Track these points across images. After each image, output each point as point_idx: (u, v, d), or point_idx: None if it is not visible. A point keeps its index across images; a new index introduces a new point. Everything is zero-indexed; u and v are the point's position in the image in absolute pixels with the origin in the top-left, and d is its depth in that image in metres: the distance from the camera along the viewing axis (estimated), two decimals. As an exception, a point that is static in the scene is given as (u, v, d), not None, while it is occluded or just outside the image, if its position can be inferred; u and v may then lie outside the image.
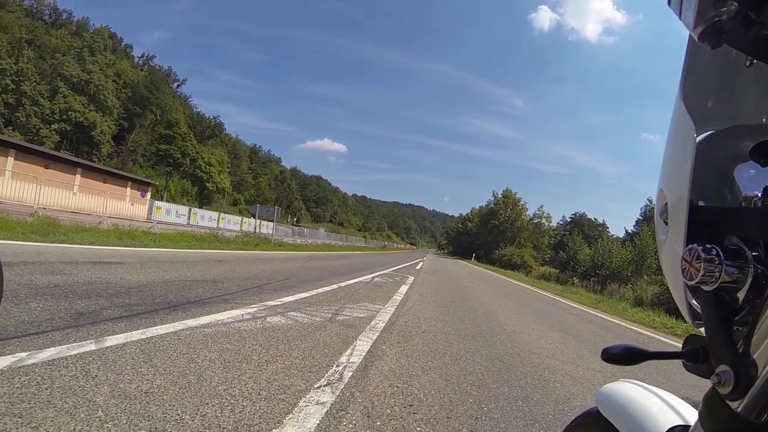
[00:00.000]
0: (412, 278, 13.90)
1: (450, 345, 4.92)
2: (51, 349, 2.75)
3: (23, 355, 2.57)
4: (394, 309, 6.83)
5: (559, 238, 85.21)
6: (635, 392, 1.01)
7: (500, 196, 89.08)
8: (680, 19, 0.58)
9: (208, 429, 2.05)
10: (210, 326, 4.05)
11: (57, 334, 3.08)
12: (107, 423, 1.94)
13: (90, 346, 2.92)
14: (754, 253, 0.59)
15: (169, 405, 2.23)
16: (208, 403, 2.33)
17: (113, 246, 10.51)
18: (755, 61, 0.64)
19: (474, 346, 5.10)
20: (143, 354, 2.97)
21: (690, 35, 0.64)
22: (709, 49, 0.60)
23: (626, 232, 69.42)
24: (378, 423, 2.48)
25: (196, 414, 2.18)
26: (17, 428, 1.78)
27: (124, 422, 1.97)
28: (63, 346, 2.83)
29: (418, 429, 2.49)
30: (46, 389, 2.18)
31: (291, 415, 2.36)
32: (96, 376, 2.46)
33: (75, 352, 2.77)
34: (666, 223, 0.76)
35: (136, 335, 3.35)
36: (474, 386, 3.52)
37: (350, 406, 2.66)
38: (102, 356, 2.79)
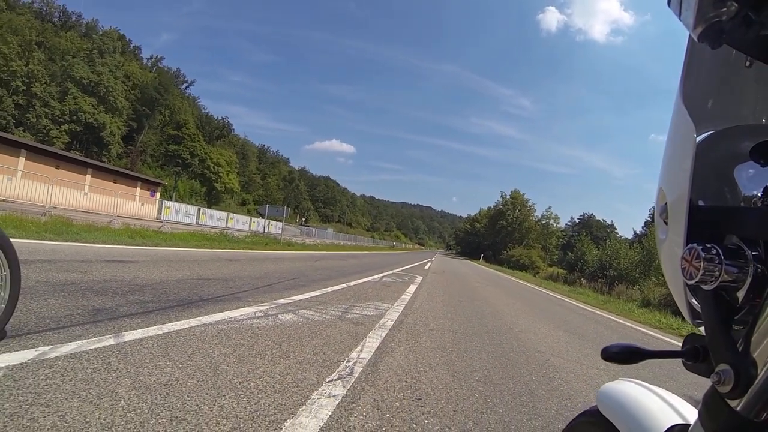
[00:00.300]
0: (420, 278, 13.96)
1: (457, 343, 5.00)
2: (72, 343, 2.84)
3: (46, 348, 2.66)
4: (402, 308, 6.91)
5: (567, 239, 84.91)
6: (635, 391, 1.00)
7: (508, 196, 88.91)
8: (680, 19, 0.59)
9: (226, 418, 2.14)
10: (223, 323, 4.15)
11: (76, 329, 3.17)
12: (130, 412, 2.03)
13: (109, 341, 3.02)
14: (753, 253, 0.59)
15: (188, 396, 2.32)
16: (224, 395, 2.43)
17: (125, 245, 10.65)
18: (755, 61, 0.64)
19: (481, 344, 5.17)
20: (160, 348, 3.07)
21: (690, 36, 0.65)
22: (709, 49, 0.60)
23: (635, 233, 68.98)
24: (387, 415, 2.56)
25: (214, 404, 2.27)
26: (44, 417, 1.86)
27: (146, 411, 2.06)
28: (83, 341, 2.92)
29: (426, 421, 2.57)
30: (70, 381, 2.26)
31: (304, 407, 2.45)
32: (117, 369, 2.55)
33: (95, 346, 2.86)
34: (666, 223, 0.76)
35: (152, 331, 3.45)
36: (480, 382, 3.60)
37: (361, 399, 2.74)
38: (121, 350, 2.88)
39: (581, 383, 4.12)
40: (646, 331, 9.87)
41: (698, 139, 0.73)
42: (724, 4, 0.51)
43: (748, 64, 0.66)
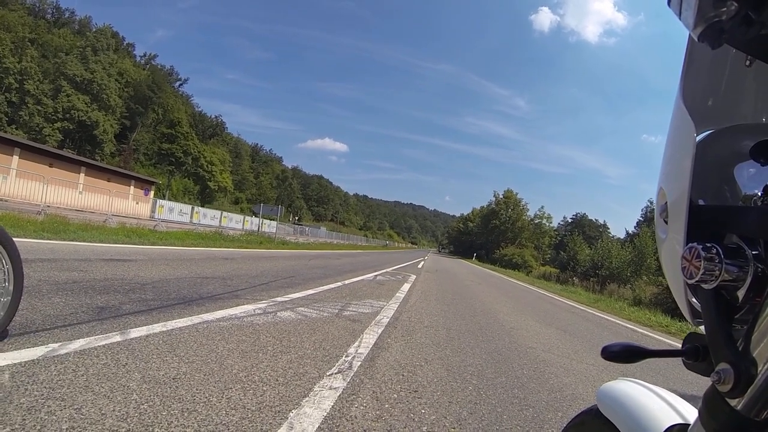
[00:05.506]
0: (414, 277, 14.09)
1: (451, 339, 5.13)
2: (80, 340, 2.93)
3: (55, 345, 2.74)
4: (397, 305, 7.03)
5: (559, 238, 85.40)
6: (635, 391, 1.00)
7: (501, 196, 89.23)
8: (680, 19, 0.58)
9: (234, 409, 2.25)
10: (225, 320, 4.26)
11: (83, 326, 3.26)
12: (143, 405, 2.13)
13: (116, 338, 3.11)
14: (754, 252, 0.59)
15: (197, 389, 2.43)
16: (231, 388, 2.54)
17: (122, 244, 10.70)
18: (755, 60, 0.64)
19: (474, 340, 5.30)
20: (166, 345, 3.17)
21: (690, 35, 0.63)
22: (709, 49, 0.60)
23: (627, 233, 69.57)
24: (386, 405, 2.70)
25: (222, 397, 2.39)
26: (61, 410, 1.95)
27: (158, 404, 2.17)
28: (91, 338, 3.01)
29: (423, 411, 2.70)
30: (82, 376, 2.35)
31: (308, 398, 2.57)
32: (126, 364, 2.65)
33: (103, 343, 2.95)
34: (666, 222, 0.76)
35: (157, 328, 3.55)
36: (474, 376, 3.74)
37: (360, 391, 2.87)
38: (128, 346, 2.98)
39: (571, 377, 4.26)
40: (635, 328, 10.03)
41: (698, 138, 0.73)
42: (724, 4, 0.51)
43: (748, 63, 0.66)
